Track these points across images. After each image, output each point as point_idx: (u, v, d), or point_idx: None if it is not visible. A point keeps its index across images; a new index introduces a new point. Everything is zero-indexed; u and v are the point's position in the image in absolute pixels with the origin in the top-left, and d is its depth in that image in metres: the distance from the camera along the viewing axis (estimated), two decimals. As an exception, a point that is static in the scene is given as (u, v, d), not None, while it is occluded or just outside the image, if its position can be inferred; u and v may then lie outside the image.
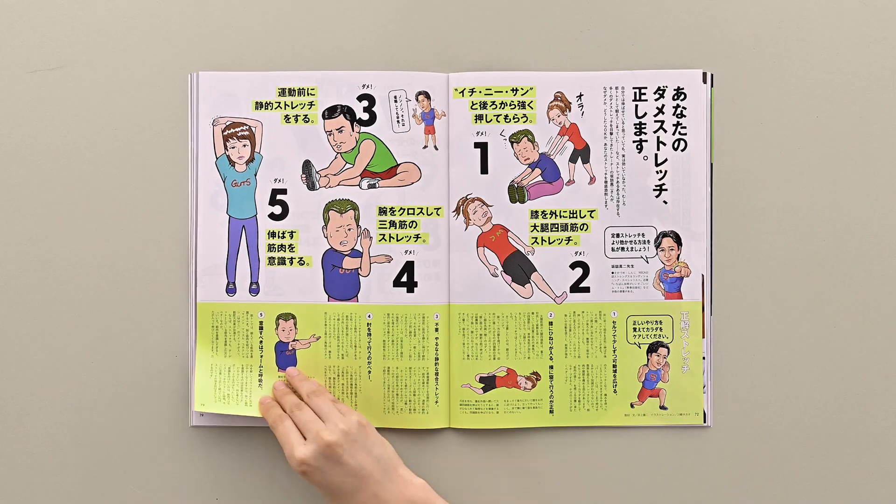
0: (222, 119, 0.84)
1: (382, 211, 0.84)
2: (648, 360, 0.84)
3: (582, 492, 0.84)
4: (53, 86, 0.85)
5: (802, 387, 0.84)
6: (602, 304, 0.84)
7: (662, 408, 0.84)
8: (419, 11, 0.84)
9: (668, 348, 0.84)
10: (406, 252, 0.84)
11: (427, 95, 0.83)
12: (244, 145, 0.84)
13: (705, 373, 0.84)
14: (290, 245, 0.84)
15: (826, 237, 0.84)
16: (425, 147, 0.84)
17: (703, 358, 0.84)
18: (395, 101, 0.83)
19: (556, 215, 0.84)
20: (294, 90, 0.84)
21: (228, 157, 0.84)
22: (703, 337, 0.84)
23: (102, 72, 0.85)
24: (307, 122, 0.84)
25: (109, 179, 0.84)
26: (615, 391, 0.84)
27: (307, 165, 0.84)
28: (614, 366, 0.84)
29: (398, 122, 0.84)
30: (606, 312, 0.84)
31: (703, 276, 0.84)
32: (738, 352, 0.84)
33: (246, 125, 0.84)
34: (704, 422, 0.84)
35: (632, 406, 0.84)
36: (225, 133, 0.84)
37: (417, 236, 0.84)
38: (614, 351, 0.84)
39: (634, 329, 0.84)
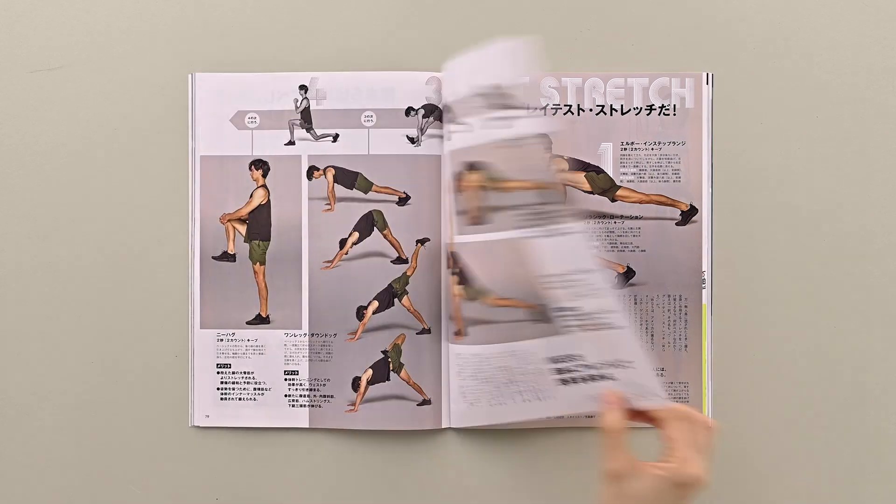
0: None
1: None
2: None
3: (582, 492, 0.84)
4: (53, 86, 0.85)
5: (802, 386, 0.84)
6: None
7: None
8: (418, 12, 0.84)
9: None
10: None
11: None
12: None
13: (705, 373, 0.84)
14: None
15: (826, 237, 0.84)
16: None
17: (704, 358, 0.84)
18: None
19: None
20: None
21: None
22: (704, 337, 0.84)
23: (102, 72, 0.85)
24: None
25: (109, 179, 0.85)
26: None
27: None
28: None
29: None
30: None
31: (703, 276, 0.84)
32: (738, 352, 0.84)
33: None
34: (704, 422, 0.84)
35: None
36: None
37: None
38: None
39: None
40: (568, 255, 0.74)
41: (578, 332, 0.76)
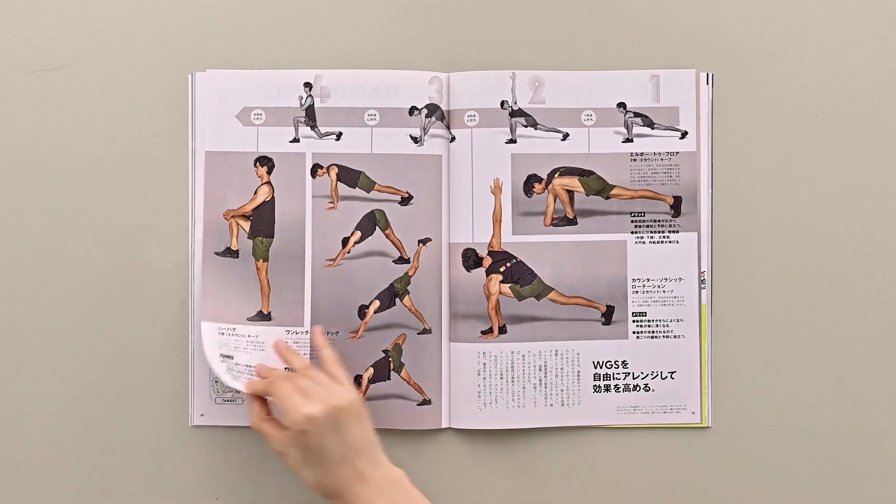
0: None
1: None
2: None
3: (582, 492, 0.84)
4: (53, 86, 0.84)
5: (802, 387, 0.84)
6: None
7: None
8: (419, 12, 0.85)
9: None
10: None
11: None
12: None
13: (705, 373, 0.84)
14: None
15: (826, 237, 0.84)
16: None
17: (703, 358, 0.84)
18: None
19: None
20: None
21: None
22: (704, 337, 0.84)
23: (102, 72, 0.85)
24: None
25: (109, 179, 0.84)
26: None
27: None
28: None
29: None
30: None
31: (703, 276, 0.84)
32: (738, 352, 0.84)
33: None
34: (704, 422, 0.84)
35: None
36: None
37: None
38: None
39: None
40: (668, 263, 0.84)
41: (635, 339, 0.80)
